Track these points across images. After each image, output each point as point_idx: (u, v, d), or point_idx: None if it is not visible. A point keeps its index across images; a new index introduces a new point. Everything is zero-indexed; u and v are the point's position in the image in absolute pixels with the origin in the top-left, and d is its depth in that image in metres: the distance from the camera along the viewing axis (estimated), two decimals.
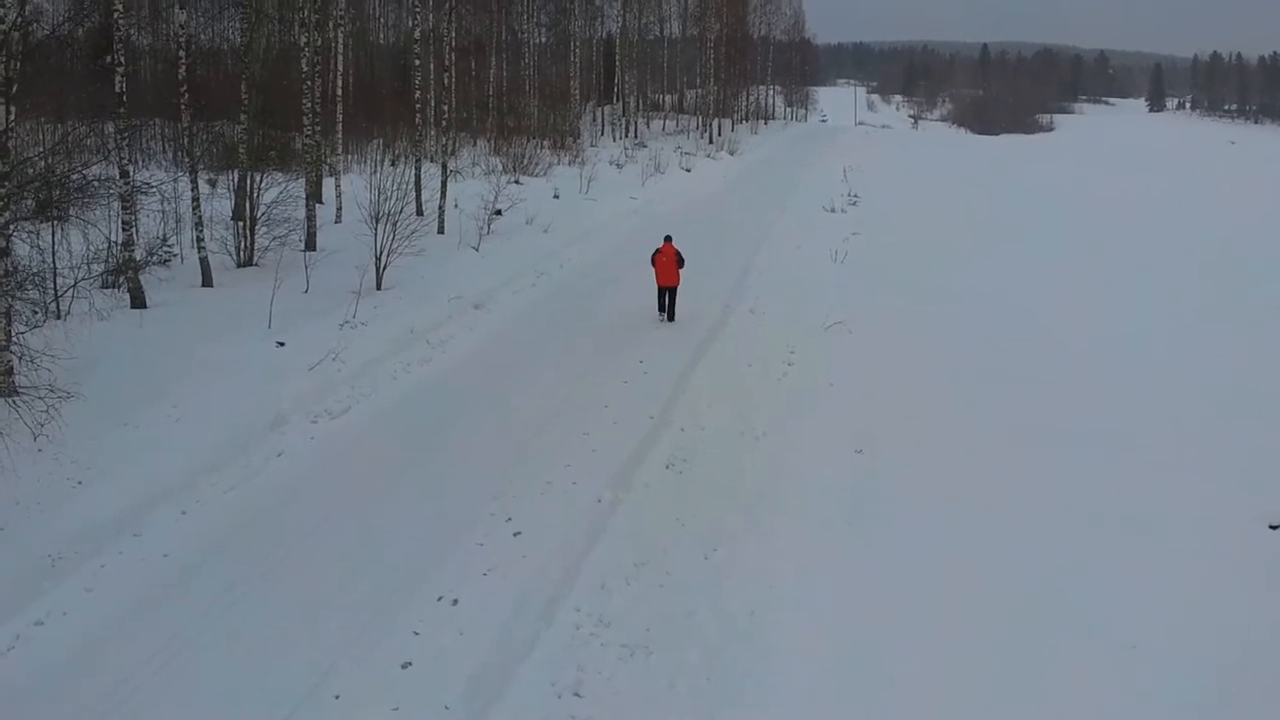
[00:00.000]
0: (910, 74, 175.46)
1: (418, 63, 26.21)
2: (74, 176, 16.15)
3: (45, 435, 10.41)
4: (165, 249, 17.74)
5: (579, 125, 46.45)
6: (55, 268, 14.71)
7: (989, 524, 9.64)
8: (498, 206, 23.67)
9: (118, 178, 16.17)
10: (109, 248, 16.36)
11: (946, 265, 21.38)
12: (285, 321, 14.70)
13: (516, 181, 29.79)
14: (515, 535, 9.36)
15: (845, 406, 12.77)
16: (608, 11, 55.63)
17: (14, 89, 11.50)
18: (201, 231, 17.17)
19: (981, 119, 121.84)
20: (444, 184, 23.67)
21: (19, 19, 11.66)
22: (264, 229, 18.45)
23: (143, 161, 25.93)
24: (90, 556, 8.76)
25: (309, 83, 21.20)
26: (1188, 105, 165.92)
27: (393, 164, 25.68)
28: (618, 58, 55.07)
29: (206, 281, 16.89)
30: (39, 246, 14.26)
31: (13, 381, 11.28)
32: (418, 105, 25.53)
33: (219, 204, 20.56)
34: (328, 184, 24.47)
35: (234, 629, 7.85)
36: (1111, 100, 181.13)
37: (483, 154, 34.93)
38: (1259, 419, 12.57)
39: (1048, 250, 23.49)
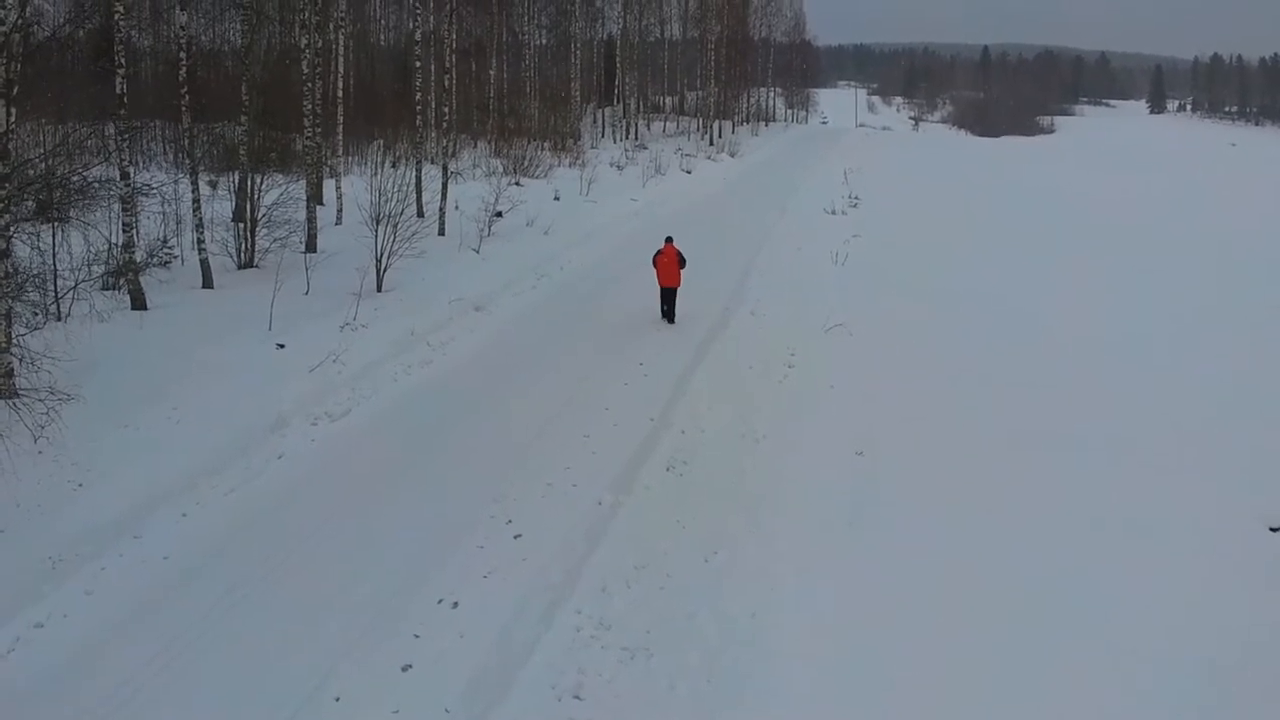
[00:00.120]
0: (911, 76, 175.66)
1: (418, 64, 26.20)
2: (75, 178, 16.14)
3: (45, 437, 10.40)
4: (166, 251, 17.74)
5: (579, 127, 46.44)
6: (56, 269, 14.71)
7: (989, 526, 9.64)
8: (498, 208, 23.67)
9: (118, 179, 16.17)
10: (109, 249, 16.36)
11: (947, 267, 21.38)
12: (286, 323, 14.70)
13: (517, 183, 29.80)
14: (516, 538, 9.36)
15: (846, 409, 12.77)
16: (608, 13, 55.67)
17: (15, 90, 11.50)
18: (202, 233, 17.17)
19: (982, 121, 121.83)
20: (444, 186, 23.67)
21: (20, 20, 11.66)
22: (264, 231, 18.44)
23: (143, 163, 25.93)
24: (90, 559, 8.76)
25: (310, 84, 21.21)
26: (1188, 107, 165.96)
27: (393, 166, 25.70)
28: (618, 59, 55.12)
29: (207, 283, 16.89)
30: (39, 248, 14.25)
31: (13, 383, 11.27)
32: (418, 107, 25.53)
33: (219, 206, 20.56)
34: (328, 186, 24.48)
35: (234, 631, 7.85)
36: (1112, 102, 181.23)
37: (483, 156, 34.93)
38: (1259, 420, 12.58)
39: (1048, 252, 23.49)
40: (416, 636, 7.77)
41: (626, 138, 50.85)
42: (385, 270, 17.44)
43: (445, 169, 24.38)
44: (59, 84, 21.20)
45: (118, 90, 15.76)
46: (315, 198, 21.15)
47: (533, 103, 45.98)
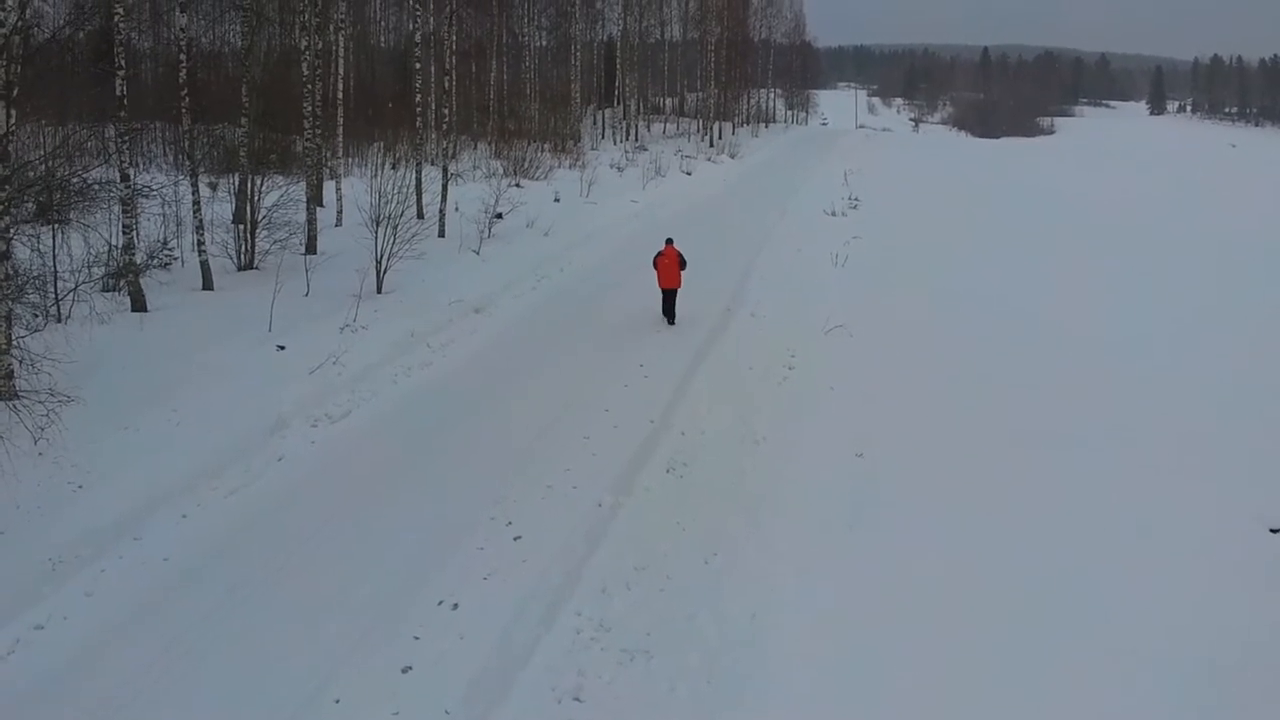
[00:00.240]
0: (911, 77, 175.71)
1: (418, 66, 26.20)
2: (75, 180, 16.16)
3: (45, 439, 10.40)
4: (166, 252, 17.73)
5: (579, 128, 46.43)
6: (56, 271, 14.70)
7: (989, 526, 9.64)
8: (498, 210, 23.66)
9: (118, 181, 16.17)
10: (109, 251, 16.35)
11: (947, 268, 21.38)
12: (286, 325, 14.70)
13: (517, 185, 29.80)
14: (516, 539, 9.36)
15: (846, 410, 12.77)
16: (608, 15, 55.66)
17: (15, 92, 11.49)
18: (202, 235, 17.17)
19: (982, 122, 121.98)
20: (445, 187, 23.67)
21: (20, 22, 11.66)
22: (265, 232, 18.44)
23: (143, 165, 25.92)
24: (90, 560, 8.76)
25: (310, 86, 21.21)
26: (1188, 108, 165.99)
27: (393, 167, 25.71)
28: (618, 61, 55.11)
29: (207, 285, 16.89)
30: (39, 250, 14.25)
31: (13, 385, 11.27)
32: (418, 108, 25.54)
33: (220, 207, 20.55)
34: (328, 187, 24.47)
35: (234, 633, 7.85)
36: (1112, 103, 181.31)
37: (483, 157, 34.93)
38: (1259, 420, 12.57)
39: (1048, 253, 23.48)
40: (416, 638, 7.77)
41: (627, 139, 50.85)
42: (385, 272, 17.44)
43: (445, 170, 24.38)
44: (59, 86, 21.20)
45: (118, 92, 15.76)
46: (315, 199, 21.15)
47: (533, 104, 45.98)
